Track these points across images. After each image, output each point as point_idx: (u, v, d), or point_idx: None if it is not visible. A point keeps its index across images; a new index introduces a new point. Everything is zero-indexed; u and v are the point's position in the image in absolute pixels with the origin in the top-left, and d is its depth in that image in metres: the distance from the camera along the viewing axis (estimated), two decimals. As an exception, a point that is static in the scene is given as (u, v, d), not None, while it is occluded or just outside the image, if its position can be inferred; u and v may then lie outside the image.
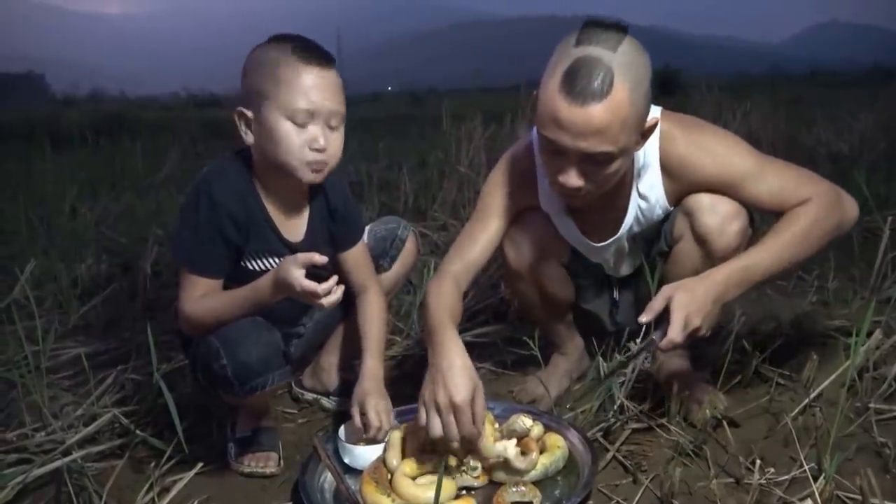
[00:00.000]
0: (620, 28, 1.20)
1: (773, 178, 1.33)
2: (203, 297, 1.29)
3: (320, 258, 1.19)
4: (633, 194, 1.42)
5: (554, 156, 1.25)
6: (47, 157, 4.25)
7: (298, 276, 1.18)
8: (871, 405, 1.45)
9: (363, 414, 1.34)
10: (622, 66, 1.16)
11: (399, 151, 5.11)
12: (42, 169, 4.40)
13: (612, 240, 1.48)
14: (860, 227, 2.72)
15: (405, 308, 1.99)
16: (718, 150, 1.35)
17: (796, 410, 1.45)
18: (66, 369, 1.90)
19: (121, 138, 6.05)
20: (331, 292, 1.19)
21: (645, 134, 1.28)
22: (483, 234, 1.47)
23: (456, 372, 1.19)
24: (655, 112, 1.34)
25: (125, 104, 14.54)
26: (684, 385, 1.48)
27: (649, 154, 1.37)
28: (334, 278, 1.20)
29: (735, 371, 1.62)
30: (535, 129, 1.33)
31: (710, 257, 1.38)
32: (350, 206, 1.50)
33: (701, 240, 1.38)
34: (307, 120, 1.26)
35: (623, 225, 1.46)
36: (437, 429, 1.18)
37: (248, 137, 1.31)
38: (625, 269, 1.59)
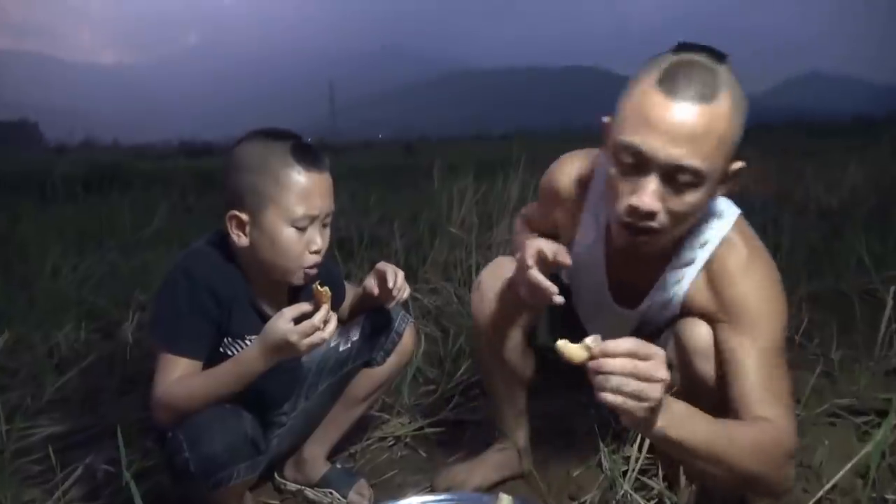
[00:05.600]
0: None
1: (769, 367, 1.13)
2: (180, 378, 1.21)
3: (308, 306, 1.18)
4: (664, 273, 1.25)
5: (633, 171, 1.06)
6: (33, 216, 4.18)
7: (290, 326, 1.16)
8: (889, 496, 1.37)
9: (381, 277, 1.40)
10: (728, 78, 1.03)
11: (390, 203, 5.08)
12: (27, 226, 4.33)
13: (636, 310, 1.30)
14: (859, 290, 2.68)
15: (395, 382, 1.90)
16: (761, 293, 1.16)
17: (811, 502, 1.37)
18: (37, 450, 1.80)
19: (111, 192, 6.00)
20: (327, 321, 1.18)
21: (726, 180, 1.09)
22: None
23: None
24: (735, 210, 1.22)
25: (118, 152, 14.65)
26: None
27: (698, 251, 1.21)
28: (325, 307, 1.18)
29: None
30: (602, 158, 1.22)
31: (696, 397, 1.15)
32: (330, 268, 1.43)
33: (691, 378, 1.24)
34: (308, 224, 1.24)
35: (646, 298, 1.27)
36: (521, 287, 1.24)
37: (242, 240, 1.25)
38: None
